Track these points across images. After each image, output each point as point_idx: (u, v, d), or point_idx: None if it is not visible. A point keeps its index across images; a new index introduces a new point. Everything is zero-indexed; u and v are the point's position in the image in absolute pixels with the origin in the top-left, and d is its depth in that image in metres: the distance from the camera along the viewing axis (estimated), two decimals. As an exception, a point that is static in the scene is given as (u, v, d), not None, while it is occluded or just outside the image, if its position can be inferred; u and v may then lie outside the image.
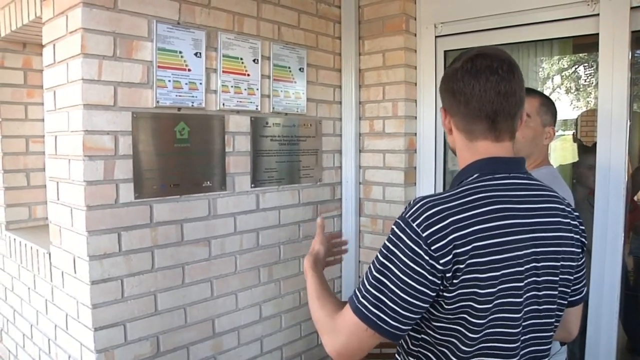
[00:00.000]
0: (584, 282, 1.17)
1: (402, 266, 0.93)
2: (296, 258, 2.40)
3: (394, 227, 0.97)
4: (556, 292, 1.03)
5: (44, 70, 1.83)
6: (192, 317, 1.96)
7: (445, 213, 0.93)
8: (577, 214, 1.12)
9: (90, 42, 1.61)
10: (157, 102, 1.78)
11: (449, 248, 0.91)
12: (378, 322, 0.94)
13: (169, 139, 1.84)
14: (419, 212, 0.95)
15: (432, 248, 0.91)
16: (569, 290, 1.08)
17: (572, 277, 1.07)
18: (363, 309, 0.95)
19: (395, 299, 0.93)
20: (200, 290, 1.98)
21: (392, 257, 0.95)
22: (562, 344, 1.50)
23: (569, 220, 1.06)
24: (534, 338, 1.03)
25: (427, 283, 0.92)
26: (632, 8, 1.83)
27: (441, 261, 0.91)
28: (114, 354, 1.73)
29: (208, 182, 1.97)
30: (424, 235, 0.92)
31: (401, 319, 0.94)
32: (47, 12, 1.77)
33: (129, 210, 1.73)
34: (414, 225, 0.93)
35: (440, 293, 0.94)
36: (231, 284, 2.10)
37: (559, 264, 1.02)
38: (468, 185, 0.99)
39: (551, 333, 1.05)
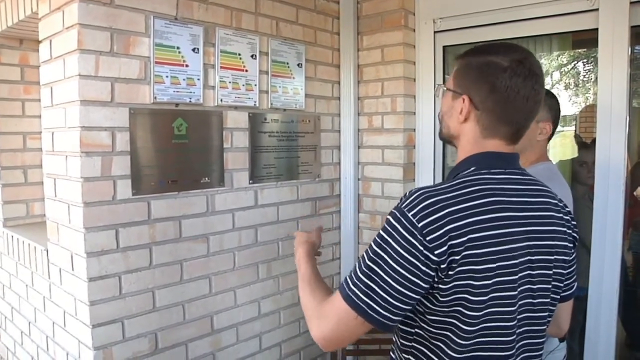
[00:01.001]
0: (574, 277, 1.17)
1: (395, 256, 0.92)
2: (295, 254, 2.39)
3: (389, 217, 0.97)
4: (550, 286, 1.03)
5: (40, 66, 1.82)
6: (190, 313, 1.95)
7: (442, 204, 0.93)
8: (569, 209, 1.12)
9: (87, 37, 1.59)
10: (155, 98, 1.77)
11: (444, 239, 0.91)
12: (368, 310, 0.94)
13: (167, 135, 1.83)
14: (415, 202, 0.94)
15: (428, 239, 0.91)
16: (562, 285, 1.09)
17: (565, 272, 1.08)
18: (353, 297, 0.95)
19: (387, 288, 0.93)
20: (199, 287, 1.98)
21: (386, 246, 0.94)
22: (560, 340, 1.50)
23: (561, 215, 1.06)
24: (529, 332, 1.03)
25: (420, 274, 0.91)
26: (631, 3, 1.82)
27: (436, 252, 0.90)
28: (112, 350, 1.72)
29: (206, 179, 1.97)
30: (419, 225, 0.91)
31: (392, 308, 0.93)
32: (43, 8, 1.76)
33: (126, 207, 1.73)
34: (410, 215, 0.93)
35: (435, 285, 0.93)
36: (230, 280, 2.10)
37: (552, 257, 1.03)
38: (464, 178, 0.99)
39: (544, 327, 1.05)
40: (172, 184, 1.85)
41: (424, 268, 0.91)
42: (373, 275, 0.94)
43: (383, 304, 0.93)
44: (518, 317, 0.99)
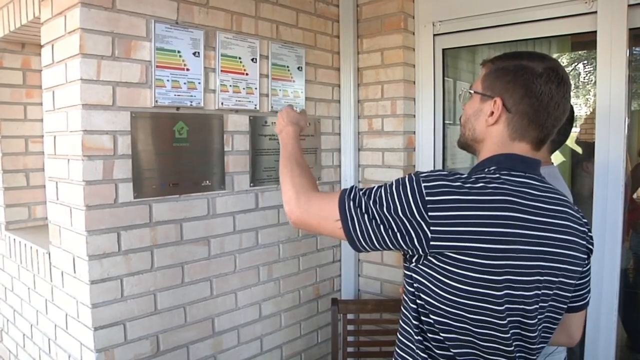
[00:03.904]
0: (588, 288, 1.17)
1: (392, 210, 0.99)
2: (295, 257, 2.40)
3: (405, 176, 1.02)
4: (551, 292, 1.03)
5: (42, 70, 1.83)
6: (191, 316, 1.96)
7: (453, 189, 0.96)
8: (586, 220, 1.12)
9: (89, 42, 1.61)
10: (156, 101, 1.78)
11: (445, 221, 0.94)
12: (349, 225, 1.04)
13: (168, 138, 1.84)
14: (431, 177, 0.99)
15: (430, 214, 0.95)
16: (568, 294, 1.08)
17: (573, 282, 1.07)
18: (346, 208, 1.05)
19: (374, 226, 1.01)
20: (200, 290, 1.98)
21: (390, 196, 1.01)
22: None
23: (578, 226, 1.06)
24: (520, 335, 1.02)
25: (406, 235, 0.98)
26: (629, 5, 1.83)
27: (432, 228, 0.95)
28: (114, 353, 1.73)
29: (207, 182, 1.98)
30: (426, 199, 0.96)
31: (368, 240, 1.03)
32: (45, 13, 1.77)
33: (128, 210, 1.74)
34: (422, 186, 0.97)
35: (427, 262, 0.99)
36: (231, 283, 2.10)
37: (561, 266, 1.02)
38: (482, 175, 1.00)
39: (536, 333, 1.04)
40: (173, 187, 1.86)
41: (412, 233, 0.97)
42: (370, 208, 1.02)
43: (364, 233, 1.03)
44: (509, 318, 0.99)
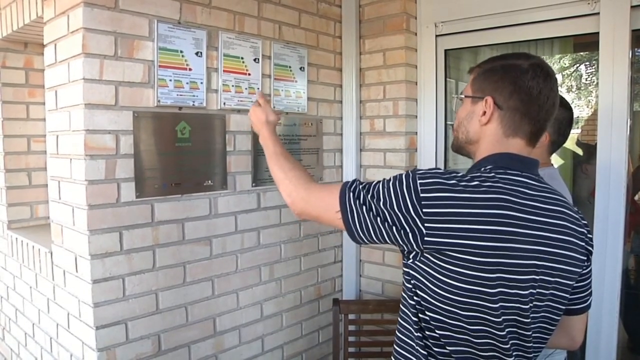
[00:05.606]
0: (588, 290, 1.17)
1: (388, 205, 1.01)
2: (297, 257, 2.40)
3: (403, 173, 1.04)
4: (547, 292, 1.03)
5: (45, 69, 1.84)
6: (193, 315, 1.96)
7: (449, 187, 0.97)
8: (585, 222, 1.12)
9: (92, 41, 1.61)
10: (158, 101, 1.78)
11: (439, 218, 0.95)
12: (349, 217, 1.07)
13: (170, 138, 1.84)
14: (427, 175, 1.00)
15: (424, 210, 0.96)
16: (566, 295, 1.08)
17: (570, 283, 1.07)
18: (346, 200, 1.08)
19: (372, 219, 1.03)
20: (202, 289, 1.99)
21: (386, 192, 1.03)
22: None
23: (576, 227, 1.06)
24: (516, 333, 1.02)
25: (402, 231, 0.99)
26: (632, 7, 1.83)
27: (427, 225, 0.96)
28: (116, 352, 1.73)
29: (209, 181, 1.98)
30: (421, 195, 0.97)
31: (366, 232, 1.05)
32: (48, 12, 1.78)
33: (130, 210, 1.74)
34: (418, 182, 0.99)
35: (424, 260, 1.01)
36: (232, 282, 2.11)
37: (557, 266, 1.02)
38: (483, 178, 1.00)
39: (530, 332, 1.03)
40: (175, 186, 1.86)
41: (407, 228, 0.98)
42: (367, 201, 1.05)
43: (363, 225, 1.05)
44: (506, 323, 0.99)
